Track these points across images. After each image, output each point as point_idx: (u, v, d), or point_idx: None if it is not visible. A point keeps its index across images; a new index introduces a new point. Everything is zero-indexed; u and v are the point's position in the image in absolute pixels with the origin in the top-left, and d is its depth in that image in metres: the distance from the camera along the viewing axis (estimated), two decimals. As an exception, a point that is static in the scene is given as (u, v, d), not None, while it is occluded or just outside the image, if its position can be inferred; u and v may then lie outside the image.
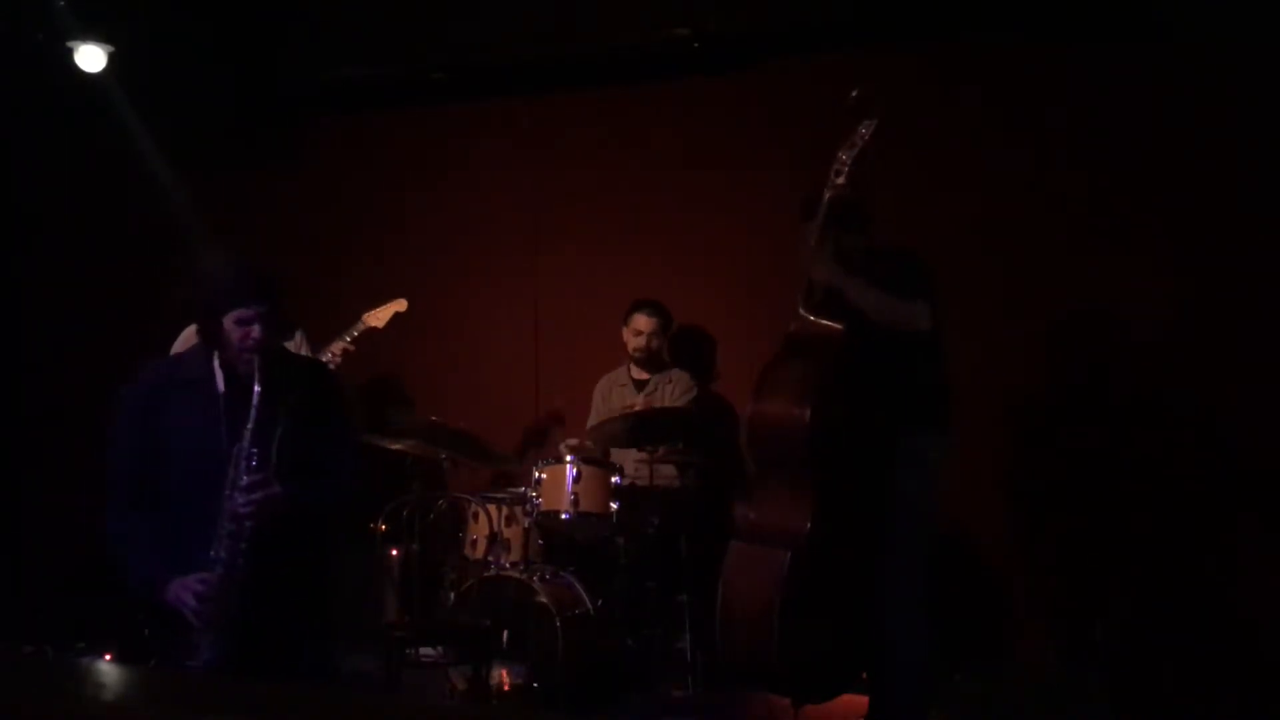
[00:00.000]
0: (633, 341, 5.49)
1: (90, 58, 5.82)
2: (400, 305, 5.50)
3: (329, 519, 3.40)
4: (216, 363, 3.10)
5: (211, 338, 3.08)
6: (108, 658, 5.03)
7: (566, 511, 4.99)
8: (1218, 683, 4.65)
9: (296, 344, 5.48)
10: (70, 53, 5.81)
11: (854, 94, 4.04)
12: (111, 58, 5.87)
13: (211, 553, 2.94)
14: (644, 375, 5.56)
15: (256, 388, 2.95)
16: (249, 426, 2.95)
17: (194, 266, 3.22)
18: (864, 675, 4.21)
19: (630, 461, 5.23)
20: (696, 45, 5.59)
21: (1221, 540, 4.85)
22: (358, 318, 5.48)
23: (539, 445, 5.98)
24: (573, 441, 5.49)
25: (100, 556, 3.19)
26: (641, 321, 5.46)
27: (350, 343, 5.35)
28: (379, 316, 5.48)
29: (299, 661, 3.10)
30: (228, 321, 3.02)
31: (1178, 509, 4.91)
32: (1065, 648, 4.97)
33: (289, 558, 3.06)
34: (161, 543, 3.05)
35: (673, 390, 5.51)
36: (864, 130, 4.02)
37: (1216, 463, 4.87)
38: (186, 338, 4.90)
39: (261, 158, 6.51)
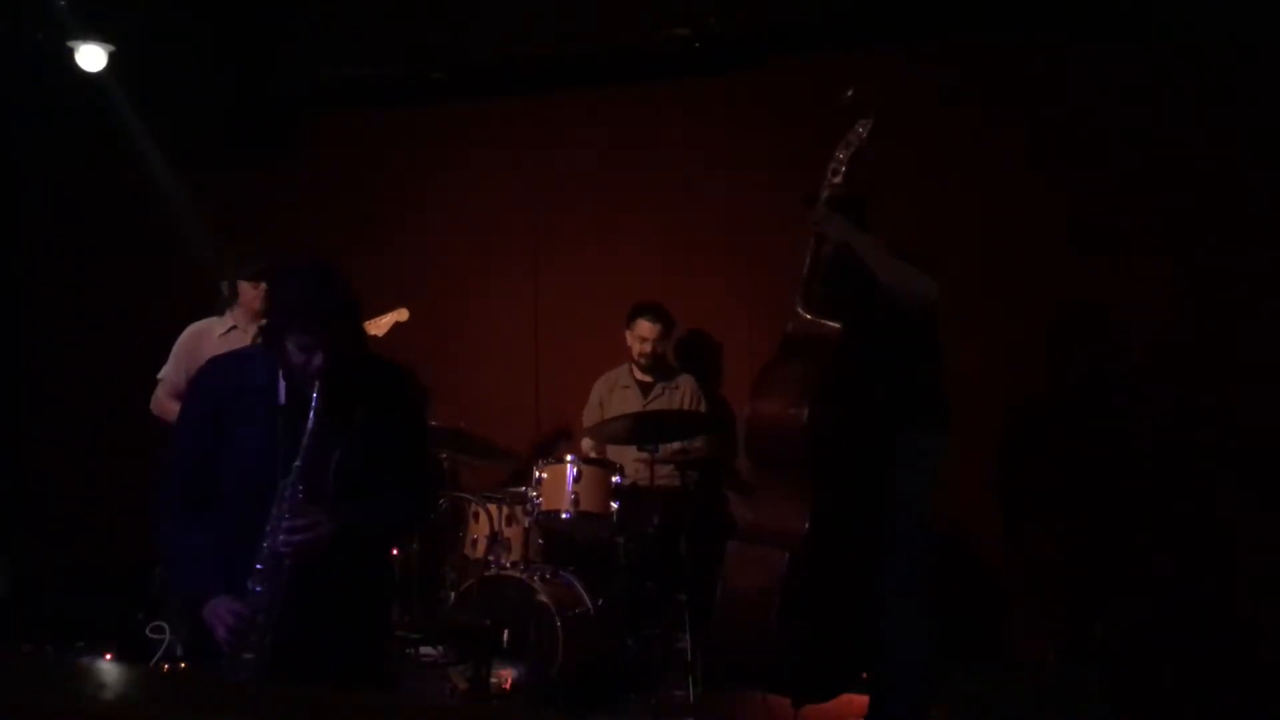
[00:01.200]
0: (636, 347, 5.48)
1: (90, 57, 5.83)
2: (401, 315, 5.50)
3: (390, 542, 3.25)
4: (281, 374, 2.88)
5: (276, 351, 2.85)
6: (108, 657, 5.04)
7: (567, 511, 4.99)
8: (1218, 683, 4.64)
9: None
10: (71, 52, 5.82)
11: (849, 94, 4.04)
12: (112, 57, 5.87)
13: (249, 585, 2.78)
14: (647, 378, 5.56)
15: (310, 422, 2.75)
16: (297, 464, 2.75)
17: (279, 268, 3.04)
18: (864, 675, 4.21)
19: (630, 461, 5.23)
20: (697, 45, 5.59)
21: (1222, 540, 4.85)
22: None
23: (545, 454, 5.98)
24: (585, 444, 5.49)
25: (98, 555, 3.15)
26: (645, 328, 5.45)
27: None
28: (379, 325, 5.48)
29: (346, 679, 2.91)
30: (289, 343, 2.80)
31: (1178, 508, 4.91)
32: (1065, 647, 4.96)
33: (338, 589, 2.86)
34: (212, 552, 2.88)
35: (680, 396, 5.50)
36: (860, 129, 4.02)
37: (1217, 462, 4.87)
38: (188, 337, 4.91)
39: (261, 157, 6.52)
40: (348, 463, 2.84)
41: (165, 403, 4.81)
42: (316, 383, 2.77)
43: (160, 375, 4.92)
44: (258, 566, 2.77)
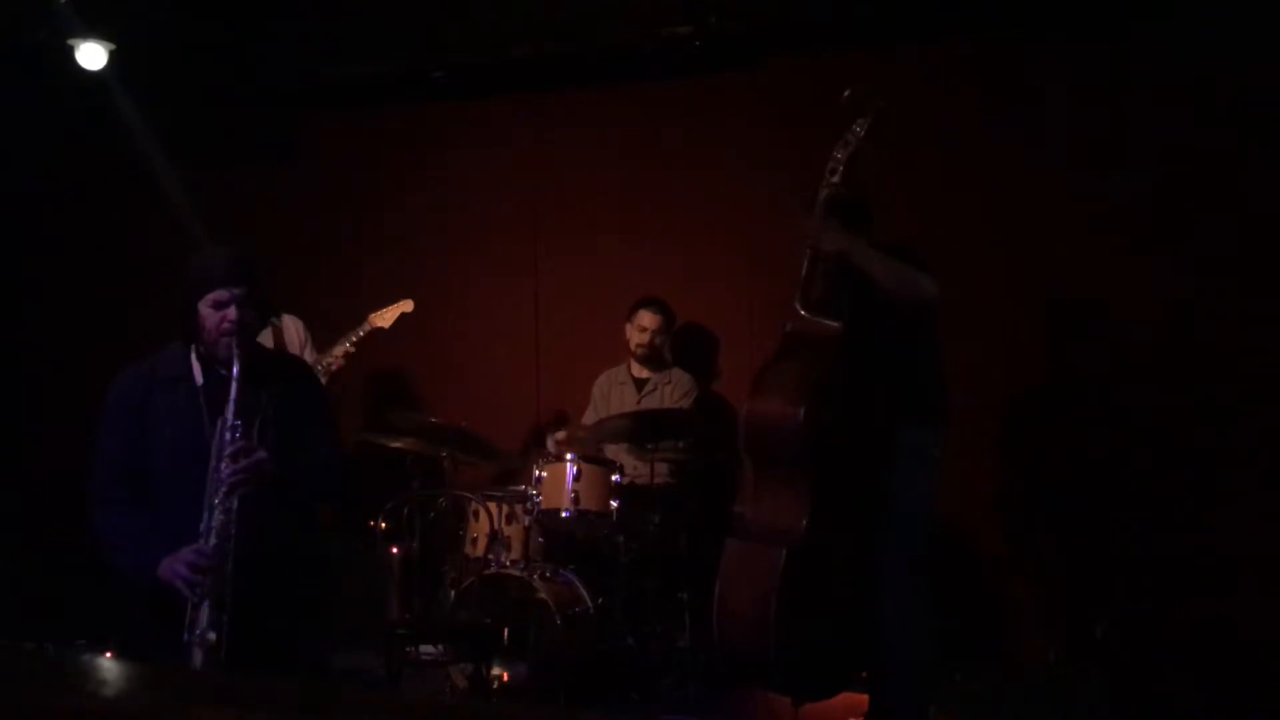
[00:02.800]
0: (636, 338, 5.50)
1: (91, 55, 5.83)
2: (406, 306, 5.51)
3: (316, 508, 3.40)
4: (194, 357, 3.12)
5: (189, 331, 3.09)
6: (108, 654, 5.04)
7: (567, 510, 4.99)
8: (1218, 682, 4.65)
9: (300, 340, 5.49)
10: (71, 50, 5.82)
11: (846, 93, 4.05)
12: (112, 55, 5.87)
13: (202, 525, 2.93)
14: (644, 374, 5.57)
15: (235, 367, 2.97)
16: (231, 398, 2.95)
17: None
18: (864, 673, 4.21)
19: (630, 459, 5.23)
20: (698, 44, 5.59)
21: (1222, 539, 4.85)
22: (363, 318, 5.49)
23: (541, 445, 5.98)
24: (560, 435, 5.49)
25: (94, 553, 3.18)
26: (646, 318, 5.47)
27: (353, 345, 5.37)
28: (385, 317, 5.49)
29: (294, 646, 3.10)
30: (204, 307, 3.04)
31: (1178, 508, 4.91)
32: (1066, 646, 4.97)
33: (280, 536, 3.05)
34: (150, 532, 3.04)
35: (672, 391, 5.51)
36: (858, 128, 4.02)
37: (1216, 462, 4.87)
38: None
39: (262, 156, 6.52)
40: (269, 424, 3.03)
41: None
42: (234, 339, 3.00)
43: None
44: (210, 501, 2.93)
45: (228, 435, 2.95)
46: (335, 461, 3.32)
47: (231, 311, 3.03)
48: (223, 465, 2.93)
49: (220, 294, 3.03)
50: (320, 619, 3.37)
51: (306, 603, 3.23)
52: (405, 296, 5.58)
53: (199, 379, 3.10)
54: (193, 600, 2.90)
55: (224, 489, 2.93)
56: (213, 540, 2.92)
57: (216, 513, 2.93)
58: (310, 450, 3.17)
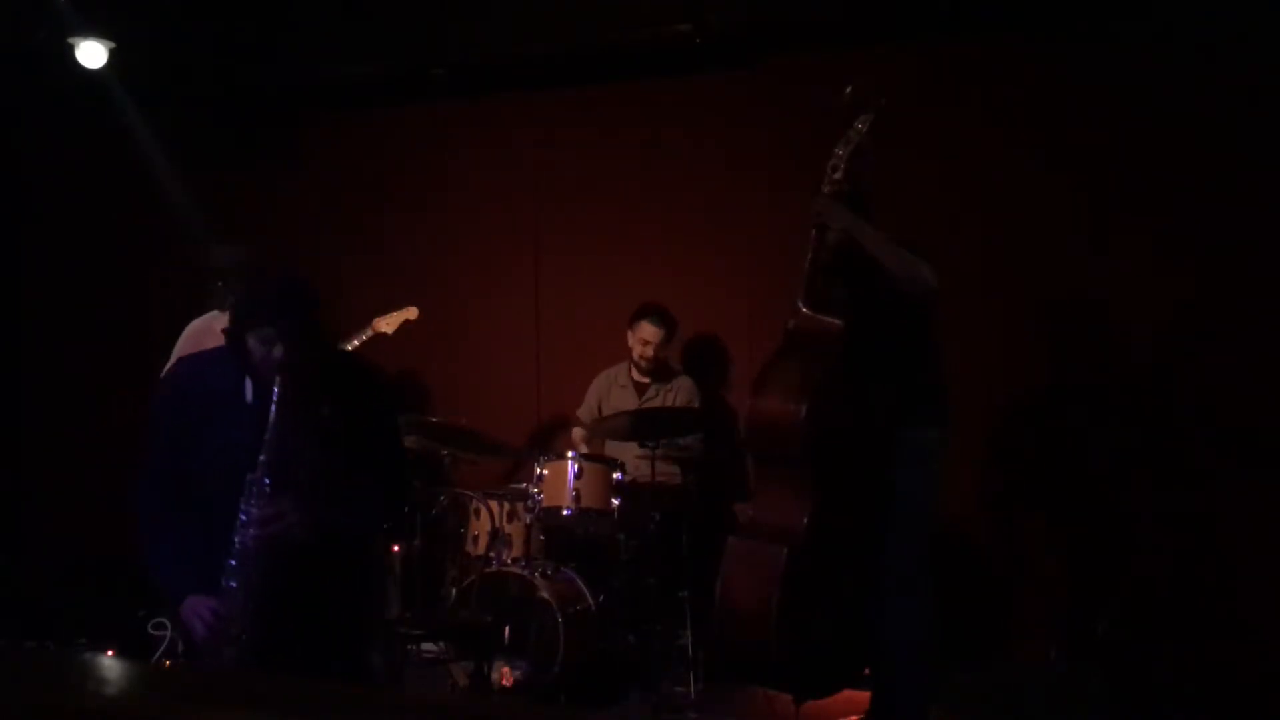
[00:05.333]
0: (638, 349, 5.48)
1: (91, 54, 5.83)
2: (411, 313, 5.52)
3: (367, 539, 3.27)
4: (247, 374, 2.96)
5: (239, 352, 2.93)
6: (110, 653, 5.04)
7: (568, 507, 4.99)
8: (1218, 681, 4.65)
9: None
10: (71, 49, 5.82)
11: (848, 91, 4.05)
12: (112, 54, 5.87)
13: (224, 581, 2.83)
14: (645, 380, 5.55)
15: (272, 413, 2.80)
16: (262, 458, 2.80)
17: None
18: (866, 671, 4.21)
19: (631, 458, 5.23)
20: (698, 41, 5.58)
21: (1222, 539, 4.85)
22: (367, 321, 5.50)
23: (544, 448, 5.99)
24: (579, 438, 5.50)
25: (98, 551, 3.16)
26: (647, 331, 5.43)
27: (354, 349, 5.37)
28: (389, 323, 5.49)
29: (329, 653, 2.97)
30: (251, 339, 2.88)
31: (1179, 506, 4.91)
32: (1067, 644, 4.97)
33: (313, 584, 2.90)
34: (189, 545, 2.93)
35: (674, 399, 5.49)
36: (860, 126, 4.02)
37: (1217, 461, 4.87)
38: (189, 335, 4.90)
39: (262, 154, 6.52)
40: (317, 457, 2.87)
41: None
42: (278, 376, 2.82)
43: (164, 374, 4.92)
44: (230, 562, 2.82)
45: (254, 494, 2.80)
46: (383, 501, 3.14)
47: (277, 351, 2.85)
48: (248, 529, 2.80)
49: (267, 332, 2.86)
50: (359, 636, 3.24)
51: (344, 641, 3.07)
52: (405, 296, 5.58)
53: (249, 396, 2.94)
54: (205, 650, 2.84)
55: (244, 555, 2.81)
56: (232, 602, 2.81)
57: (237, 573, 2.82)
58: (360, 487, 2.99)
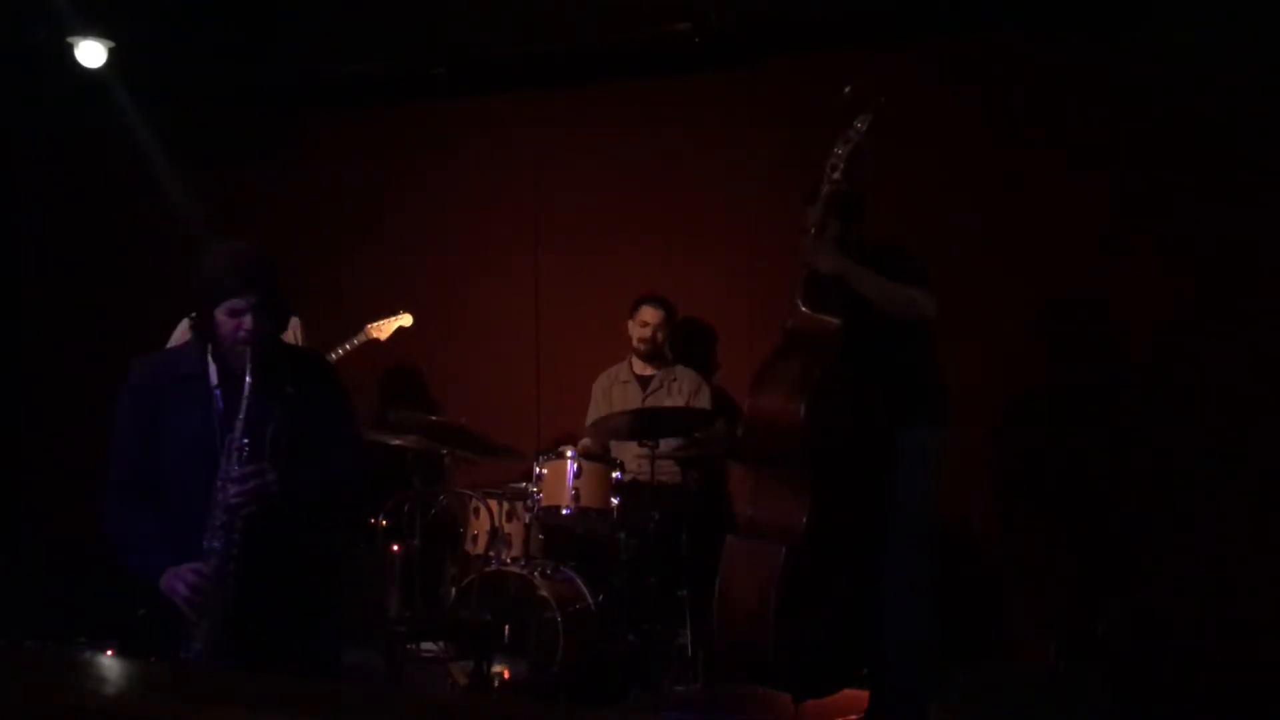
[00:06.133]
0: (638, 333, 5.50)
1: (91, 53, 5.83)
2: (405, 320, 5.52)
3: (331, 511, 3.35)
4: (211, 357, 3.06)
5: (205, 331, 3.02)
6: (109, 653, 5.04)
7: (567, 507, 4.99)
8: (1218, 681, 4.64)
9: (295, 339, 5.49)
10: (71, 48, 5.81)
11: (847, 90, 4.05)
12: (112, 53, 5.87)
13: (205, 543, 2.91)
14: (647, 370, 5.56)
15: (248, 379, 2.90)
16: (240, 417, 2.90)
17: (195, 261, 3.17)
18: (865, 670, 4.21)
19: (631, 457, 5.23)
20: (697, 40, 5.58)
21: (1223, 538, 4.85)
22: (360, 326, 5.50)
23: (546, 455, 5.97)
24: (586, 441, 5.50)
25: (100, 550, 3.18)
26: (648, 314, 5.48)
27: (344, 353, 5.38)
28: (382, 329, 5.50)
29: (298, 653, 3.07)
30: (220, 313, 2.96)
31: (1178, 507, 4.91)
32: (1066, 644, 4.97)
33: (288, 548, 3.02)
34: (161, 536, 3.02)
35: (680, 389, 5.50)
36: (859, 125, 4.02)
37: (1217, 460, 4.87)
38: (183, 332, 4.91)
39: (261, 153, 6.51)
40: (282, 432, 2.98)
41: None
42: (249, 349, 2.93)
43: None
44: (214, 522, 2.90)
45: (234, 453, 2.91)
46: (348, 474, 3.25)
47: (247, 320, 2.95)
48: (229, 486, 2.90)
49: (236, 303, 2.95)
50: (329, 620, 3.32)
51: (315, 607, 3.19)
52: (405, 295, 5.59)
53: (214, 379, 3.04)
54: (189, 616, 2.90)
55: (228, 511, 2.90)
56: (214, 561, 2.90)
57: (219, 532, 2.90)
58: (324, 460, 3.12)
